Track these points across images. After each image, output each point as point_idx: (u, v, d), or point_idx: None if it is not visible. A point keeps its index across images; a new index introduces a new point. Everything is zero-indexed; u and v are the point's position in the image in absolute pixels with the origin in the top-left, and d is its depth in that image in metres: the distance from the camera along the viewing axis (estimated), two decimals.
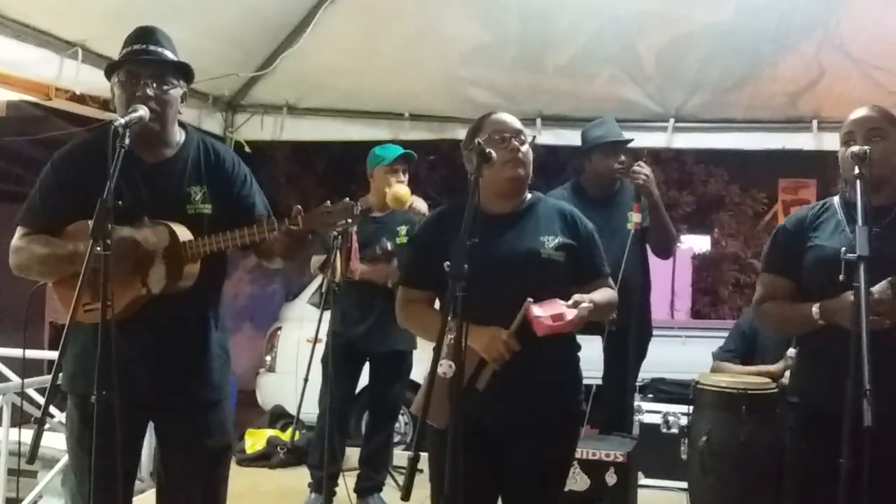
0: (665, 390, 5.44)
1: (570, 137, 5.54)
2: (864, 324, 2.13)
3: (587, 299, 2.56)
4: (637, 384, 5.14)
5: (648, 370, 5.30)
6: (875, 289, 2.37)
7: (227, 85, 5.45)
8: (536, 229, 2.72)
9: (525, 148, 2.73)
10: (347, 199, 2.60)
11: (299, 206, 2.55)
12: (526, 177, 2.73)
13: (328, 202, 2.62)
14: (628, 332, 4.43)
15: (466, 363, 2.32)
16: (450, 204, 2.91)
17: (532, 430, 2.65)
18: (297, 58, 5.20)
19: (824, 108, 5.29)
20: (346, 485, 4.52)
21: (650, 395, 5.45)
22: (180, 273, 2.60)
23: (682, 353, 6.75)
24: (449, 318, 2.28)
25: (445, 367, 2.25)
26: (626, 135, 4.78)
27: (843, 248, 2.35)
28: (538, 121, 5.62)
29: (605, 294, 2.74)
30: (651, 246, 4.60)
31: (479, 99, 5.43)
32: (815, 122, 5.38)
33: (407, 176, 4.66)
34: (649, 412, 5.22)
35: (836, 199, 2.76)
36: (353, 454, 4.99)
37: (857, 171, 2.44)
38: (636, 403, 5.16)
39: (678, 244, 15.58)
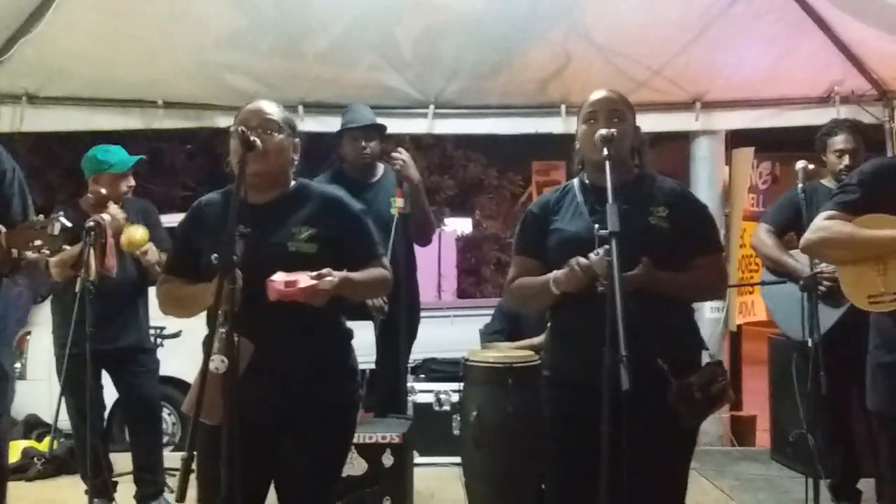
0: (436, 369, 5.58)
1: (334, 124, 5.51)
2: (617, 295, 2.27)
3: (336, 275, 2.47)
4: (409, 365, 5.25)
5: (419, 351, 5.41)
6: (592, 257, 2.50)
7: None
8: (289, 221, 2.63)
9: (279, 137, 2.62)
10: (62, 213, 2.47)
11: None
12: (267, 168, 2.58)
13: (36, 218, 2.47)
14: (398, 315, 4.49)
15: (240, 357, 2.26)
16: (214, 192, 2.78)
17: (306, 421, 2.59)
18: (37, 44, 4.85)
19: (571, 93, 5.62)
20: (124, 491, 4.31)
21: (422, 376, 5.57)
22: None
23: (451, 332, 6.95)
24: (219, 312, 2.21)
25: (217, 363, 2.18)
26: (387, 121, 4.83)
27: (597, 226, 2.48)
28: (300, 108, 5.57)
29: (369, 273, 2.67)
30: (412, 232, 4.64)
31: (238, 86, 5.30)
32: (563, 107, 5.69)
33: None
34: (422, 392, 5.33)
35: (575, 182, 2.89)
36: (120, 459, 4.74)
37: (605, 152, 2.59)
38: (409, 384, 5.25)
39: (443, 227, 16.19)
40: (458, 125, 6.02)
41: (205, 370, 2.16)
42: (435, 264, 13.30)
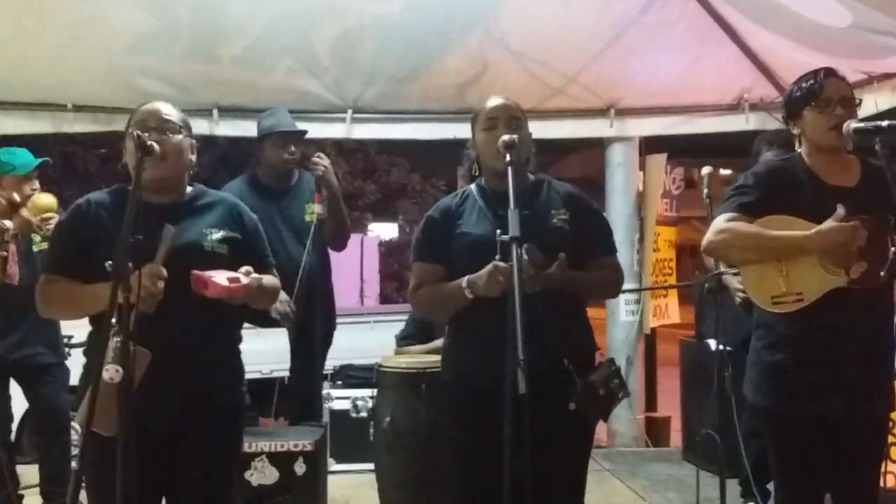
0: (354, 376, 5.55)
1: (250, 129, 5.43)
2: (517, 300, 2.28)
3: (256, 275, 2.52)
4: (327, 372, 5.21)
5: (338, 357, 5.38)
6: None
7: None
8: (198, 222, 2.63)
9: (177, 138, 2.60)
10: None
11: None
12: (167, 173, 2.56)
13: None
14: (314, 322, 4.45)
15: (136, 368, 2.21)
16: (101, 192, 2.69)
17: (201, 428, 2.56)
18: None
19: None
20: None
21: (339, 382, 5.54)
22: None
23: (372, 337, 6.92)
24: (113, 321, 2.17)
25: (112, 373, 2.14)
26: (305, 126, 4.79)
27: (499, 231, 2.49)
28: (215, 112, 5.49)
29: (270, 279, 2.72)
30: (327, 238, 4.60)
31: (150, 89, 5.17)
32: None
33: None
34: (338, 399, 5.30)
35: (473, 188, 2.92)
36: (28, 471, 4.61)
37: (508, 157, 2.61)
38: (325, 391, 5.21)
39: (367, 233, 16.13)
40: (377, 130, 6.00)
41: (97, 380, 2.11)
42: (357, 270, 13.21)
